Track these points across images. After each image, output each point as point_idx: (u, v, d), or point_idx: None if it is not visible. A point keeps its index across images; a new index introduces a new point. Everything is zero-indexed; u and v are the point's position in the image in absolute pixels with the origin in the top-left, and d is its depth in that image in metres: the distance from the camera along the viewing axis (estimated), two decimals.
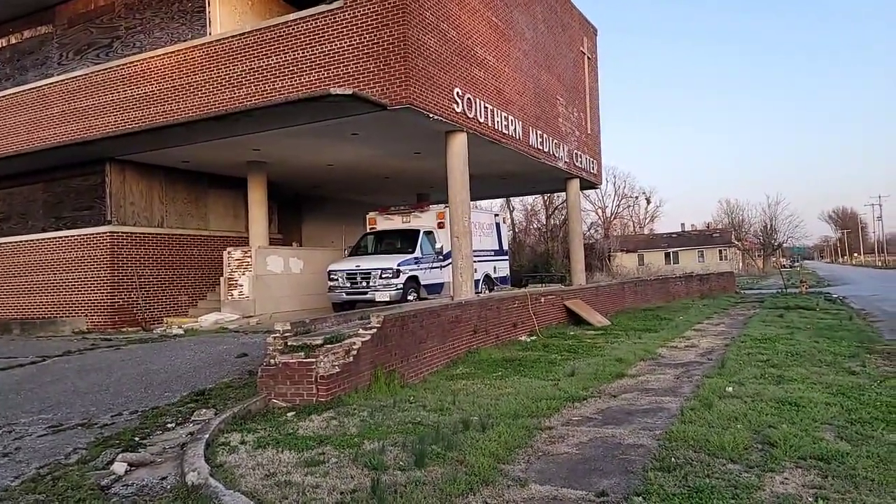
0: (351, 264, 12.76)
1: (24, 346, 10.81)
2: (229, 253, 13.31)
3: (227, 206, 15.90)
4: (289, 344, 6.71)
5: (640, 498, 3.67)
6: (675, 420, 5.44)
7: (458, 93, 11.26)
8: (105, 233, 13.03)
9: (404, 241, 13.32)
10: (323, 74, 10.59)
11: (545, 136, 15.26)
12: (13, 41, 14.62)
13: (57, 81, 13.47)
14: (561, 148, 16.36)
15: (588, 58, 18.80)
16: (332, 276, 12.81)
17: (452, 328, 9.15)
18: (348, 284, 12.51)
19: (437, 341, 8.64)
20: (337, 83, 10.31)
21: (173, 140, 12.20)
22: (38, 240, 13.99)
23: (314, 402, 6.23)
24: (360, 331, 7.13)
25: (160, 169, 14.16)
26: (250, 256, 13.16)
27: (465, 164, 11.43)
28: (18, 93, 13.87)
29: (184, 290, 14.21)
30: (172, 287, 13.99)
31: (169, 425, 5.81)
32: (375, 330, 7.18)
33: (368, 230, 14.76)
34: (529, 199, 48.66)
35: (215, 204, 15.58)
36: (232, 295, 13.02)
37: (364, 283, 12.29)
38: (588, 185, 19.49)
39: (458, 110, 11.26)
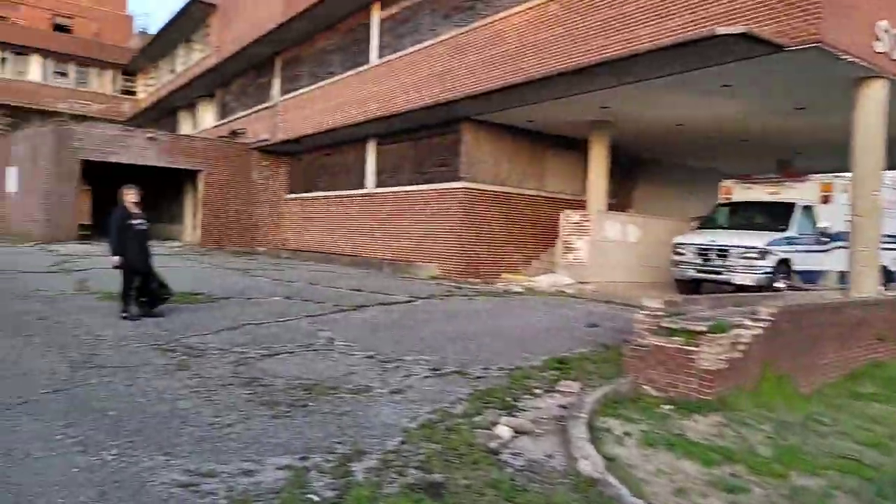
0: (704, 238, 11.30)
1: (393, 284, 12.26)
2: (567, 215, 13.06)
3: (563, 167, 15.73)
4: (662, 325, 5.94)
5: None
6: None
7: (883, 27, 8.73)
8: (458, 188, 13.99)
9: (773, 216, 11.24)
10: (696, 16, 9.22)
11: None
12: (394, 11, 16.44)
13: (424, 47, 14.72)
14: None
15: None
16: (678, 250, 11.55)
17: (853, 332, 7.26)
18: (699, 261, 11.12)
19: (833, 346, 6.92)
20: (716, 22, 8.84)
21: (523, 99, 12.26)
22: (404, 191, 15.81)
23: (694, 397, 5.35)
24: (746, 322, 5.94)
25: (506, 129, 14.57)
26: (588, 220, 12.71)
27: (880, 121, 8.92)
28: (395, 59, 15.58)
29: (519, 249, 14.59)
30: (510, 245, 14.47)
31: (536, 391, 5.57)
32: (768, 323, 5.93)
33: (721, 200, 12.96)
34: None
35: (552, 165, 15.52)
36: (567, 258, 12.79)
37: (719, 262, 10.75)
38: None
39: (881, 50, 8.75)
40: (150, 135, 19.79)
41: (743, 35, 8.18)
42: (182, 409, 4.64)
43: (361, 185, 17.65)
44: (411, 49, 15.06)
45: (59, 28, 36.05)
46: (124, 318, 7.34)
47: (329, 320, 7.97)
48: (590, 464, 3.85)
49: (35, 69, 33.19)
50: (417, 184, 15.44)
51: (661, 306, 6.11)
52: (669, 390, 5.52)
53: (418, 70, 14.59)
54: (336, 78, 17.81)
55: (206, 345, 6.48)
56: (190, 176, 21.08)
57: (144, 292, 7.59)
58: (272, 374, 5.63)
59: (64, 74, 34.30)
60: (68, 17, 36.52)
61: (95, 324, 7.10)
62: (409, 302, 9.66)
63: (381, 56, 16.16)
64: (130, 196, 7.64)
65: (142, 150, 19.35)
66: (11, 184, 21.44)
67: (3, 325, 6.78)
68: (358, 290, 10.69)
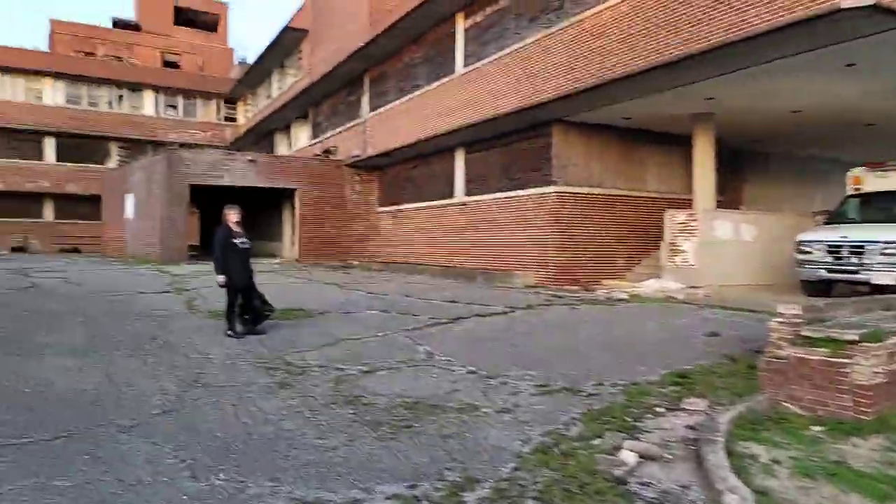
0: (833, 234, 10.15)
1: (488, 294, 11.95)
2: (671, 216, 12.23)
3: (662, 165, 14.85)
4: (802, 334, 5.22)
5: None
6: None
7: None
8: (551, 193, 13.50)
9: None
10: None
11: None
12: (478, 19, 16.25)
13: (510, 51, 14.38)
14: None
15: None
16: (803, 248, 10.45)
17: None
18: (829, 259, 9.99)
19: None
20: None
21: (619, 95, 11.67)
22: (495, 199, 15.52)
23: (849, 417, 4.62)
24: None
25: (598, 128, 13.95)
26: (696, 220, 11.82)
27: None
28: (481, 65, 15.35)
29: (619, 253, 13.86)
30: (609, 249, 13.79)
31: (658, 409, 5.04)
32: None
33: (851, 192, 11.65)
34: None
35: (651, 163, 14.69)
36: (674, 261, 11.95)
37: (855, 260, 9.60)
38: None
39: None
40: (249, 157, 20.74)
41: (873, 7, 7.26)
42: (287, 431, 4.53)
43: (451, 195, 17.53)
44: (497, 55, 14.78)
45: (169, 64, 38.90)
46: (229, 335, 7.49)
47: (426, 334, 7.76)
48: (737, 499, 3.32)
49: (148, 103, 35.95)
50: (508, 190, 15.09)
51: (799, 312, 5.38)
52: (817, 409, 4.81)
53: (505, 75, 14.28)
54: (422, 90, 17.85)
55: (306, 362, 6.43)
56: (287, 194, 21.88)
57: (247, 309, 7.72)
58: (373, 391, 5.46)
59: (174, 107, 36.93)
60: (176, 54, 39.35)
61: (203, 342, 7.28)
62: (508, 313, 9.30)
63: (466, 65, 16.01)
64: (232, 216, 7.82)
65: (243, 172, 20.29)
66: (129, 210, 23.17)
67: (123, 346, 7.08)
68: (453, 302, 10.46)
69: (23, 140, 32.39)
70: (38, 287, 12.39)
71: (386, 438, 4.41)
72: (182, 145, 23.30)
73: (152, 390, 5.46)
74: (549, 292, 12.17)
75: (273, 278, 14.18)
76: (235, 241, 7.70)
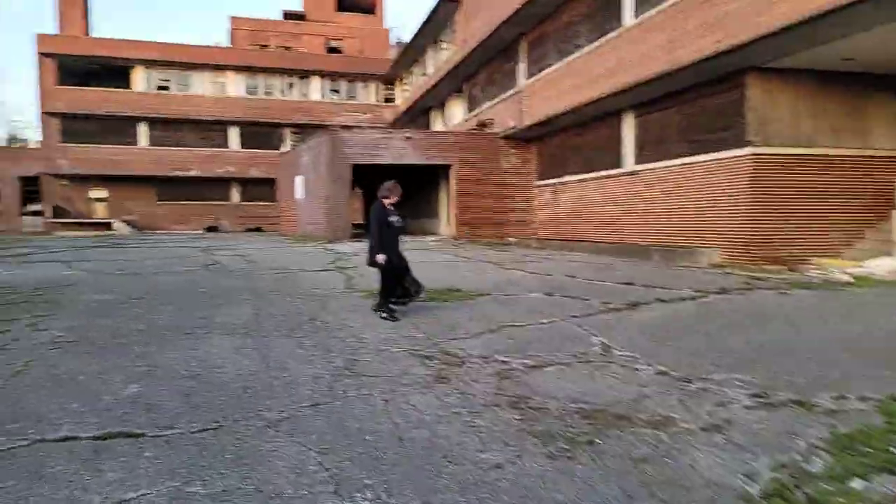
0: None
1: (668, 275, 10.51)
2: None
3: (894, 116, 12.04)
4: None
5: None
6: None
7: None
8: (745, 156, 11.54)
9: None
10: None
11: None
12: None
13: None
14: None
15: None
16: None
17: None
18: None
19: None
20: None
21: (841, 28, 9.40)
22: (672, 166, 13.78)
23: None
24: None
25: (809, 74, 11.58)
26: None
27: None
28: (655, 13, 13.55)
29: (834, 226, 11.52)
30: (820, 221, 11.51)
31: None
32: None
33: None
34: None
35: (879, 115, 11.95)
36: None
37: None
38: None
39: None
40: (407, 135, 20.75)
41: None
42: (443, 438, 3.84)
43: (618, 164, 15.99)
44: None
45: (332, 50, 40.81)
46: (383, 318, 7.07)
47: (600, 322, 6.72)
48: None
49: (315, 89, 38.02)
50: (688, 155, 13.28)
51: None
52: None
53: (685, 20, 12.41)
54: (584, 50, 16.39)
55: (465, 351, 5.74)
56: (443, 171, 21.65)
57: (399, 289, 7.26)
58: (543, 392, 4.60)
59: (337, 91, 38.70)
60: (339, 40, 41.14)
61: (358, 325, 6.92)
62: (698, 298, 7.91)
63: (636, 15, 14.26)
64: (390, 193, 7.35)
65: (400, 150, 20.35)
66: (299, 190, 24.51)
67: (280, 326, 6.95)
68: (628, 284, 9.24)
69: (212, 130, 35.94)
70: (218, 264, 13.27)
71: (561, 457, 3.54)
72: (345, 128, 24.06)
73: (305, 377, 5.10)
74: (745, 273, 10.41)
75: (428, 256, 13.90)
76: (392, 219, 7.23)
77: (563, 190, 19.16)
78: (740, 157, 11.62)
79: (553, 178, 19.92)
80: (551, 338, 6.08)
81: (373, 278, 10.11)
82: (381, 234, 7.12)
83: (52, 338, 6.32)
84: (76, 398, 4.52)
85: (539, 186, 20.98)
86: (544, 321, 6.72)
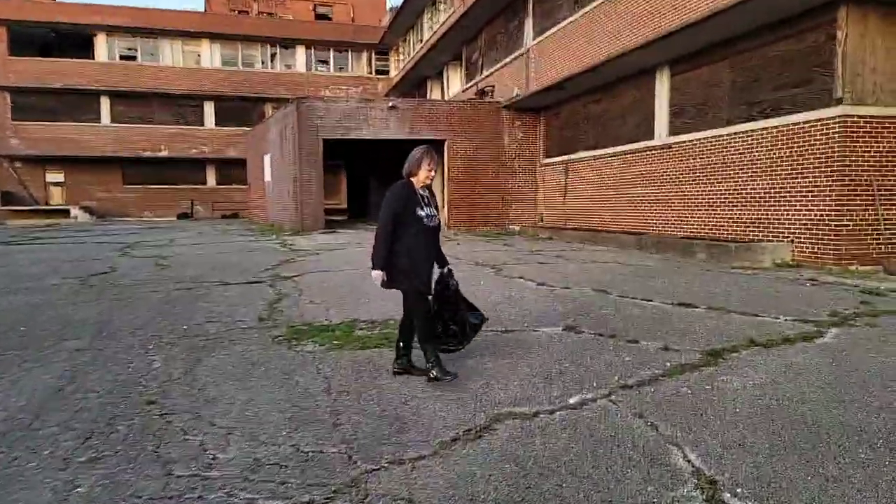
0: None
1: (732, 283, 7.48)
2: None
3: None
4: None
5: None
6: None
7: None
8: (832, 118, 8.47)
9: None
10: None
11: None
12: None
13: None
14: None
15: None
16: None
17: None
18: None
19: None
20: None
21: None
22: (720, 136, 10.70)
23: None
24: None
25: None
26: None
27: None
28: None
29: None
30: None
31: None
32: None
33: None
34: None
35: None
36: None
37: None
38: None
39: None
40: (390, 104, 17.60)
41: None
42: None
43: (649, 135, 12.92)
44: None
45: (321, 17, 37.41)
46: (433, 377, 4.03)
47: (671, 402, 3.68)
48: None
49: (300, 60, 34.67)
50: (745, 121, 10.20)
51: None
52: None
53: None
54: None
55: (410, 497, 2.74)
56: (435, 147, 18.51)
57: (439, 326, 4.23)
58: None
59: (325, 62, 35.37)
60: (328, 6, 37.71)
61: (224, 422, 3.89)
62: (812, 337, 4.91)
63: None
64: (422, 165, 4.27)
65: (383, 122, 17.25)
66: (267, 172, 21.40)
67: (61, 435, 3.96)
68: (686, 307, 6.23)
69: (184, 105, 32.70)
70: (115, 271, 9.76)
71: None
72: (317, 98, 20.89)
73: None
74: (837, 279, 7.43)
75: None
76: (421, 212, 4.15)
77: (577, 169, 16.08)
78: (824, 120, 8.54)
79: (565, 154, 16.81)
80: (585, 452, 3.04)
81: (317, 298, 7.12)
82: (392, 235, 4.02)
83: None
84: None
85: (547, 165, 17.88)
86: (572, 401, 3.70)
